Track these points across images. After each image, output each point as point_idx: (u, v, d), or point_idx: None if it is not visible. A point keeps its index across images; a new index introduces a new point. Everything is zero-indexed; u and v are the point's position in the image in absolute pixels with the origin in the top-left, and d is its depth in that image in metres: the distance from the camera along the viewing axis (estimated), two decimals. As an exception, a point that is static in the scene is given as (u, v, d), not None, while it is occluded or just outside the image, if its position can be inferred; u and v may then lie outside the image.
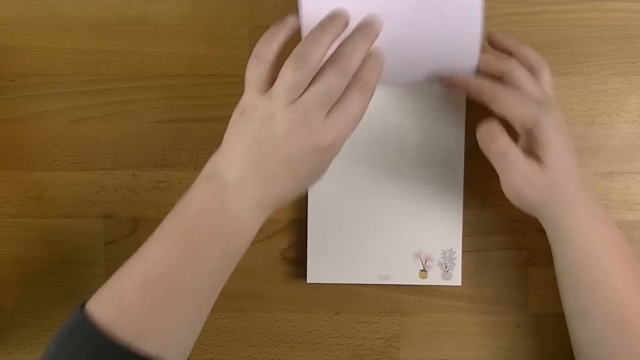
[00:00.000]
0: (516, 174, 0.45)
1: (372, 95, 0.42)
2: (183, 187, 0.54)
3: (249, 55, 0.53)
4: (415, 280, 0.53)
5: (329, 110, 0.41)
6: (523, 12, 0.54)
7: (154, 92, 0.54)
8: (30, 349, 0.54)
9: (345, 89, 0.42)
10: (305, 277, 0.53)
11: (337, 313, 0.54)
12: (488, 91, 0.46)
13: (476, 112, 0.53)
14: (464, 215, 0.53)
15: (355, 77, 0.42)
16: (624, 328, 0.45)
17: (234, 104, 0.54)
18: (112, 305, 0.41)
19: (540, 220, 0.48)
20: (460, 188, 0.53)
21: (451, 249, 0.53)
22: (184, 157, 0.54)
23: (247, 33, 0.54)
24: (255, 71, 0.43)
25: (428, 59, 0.49)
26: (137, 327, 0.40)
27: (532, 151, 0.45)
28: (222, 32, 0.54)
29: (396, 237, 0.53)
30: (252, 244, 0.54)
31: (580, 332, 0.47)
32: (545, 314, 0.54)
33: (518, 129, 0.46)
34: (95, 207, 0.54)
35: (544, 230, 0.54)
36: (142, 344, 0.39)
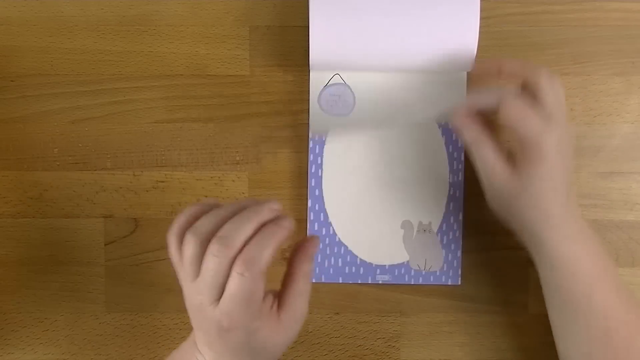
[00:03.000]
0: (490, 174, 0.46)
1: (257, 272, 0.39)
2: (183, 187, 0.54)
3: (249, 55, 0.54)
4: (415, 279, 0.53)
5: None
6: (523, 12, 0.54)
7: (154, 92, 0.54)
8: (30, 349, 0.54)
9: (230, 271, 0.39)
10: (305, 277, 0.53)
11: (337, 313, 0.54)
12: (497, 98, 0.45)
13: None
14: (464, 215, 0.53)
15: (239, 256, 0.39)
16: (609, 342, 0.45)
17: (234, 104, 0.54)
18: None
19: (520, 237, 0.48)
20: (460, 188, 0.53)
21: (451, 248, 0.53)
22: (184, 157, 0.54)
23: (247, 33, 0.54)
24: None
25: (427, 52, 0.50)
26: None
27: (520, 162, 0.45)
28: (222, 32, 0.54)
29: (395, 237, 0.53)
30: (252, 244, 0.54)
31: (567, 348, 0.47)
32: (545, 314, 0.54)
33: (519, 142, 0.45)
34: (95, 207, 0.54)
35: (544, 230, 0.54)
36: None
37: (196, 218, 0.41)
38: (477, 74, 0.50)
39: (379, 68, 0.52)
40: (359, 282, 0.54)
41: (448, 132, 0.53)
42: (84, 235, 0.54)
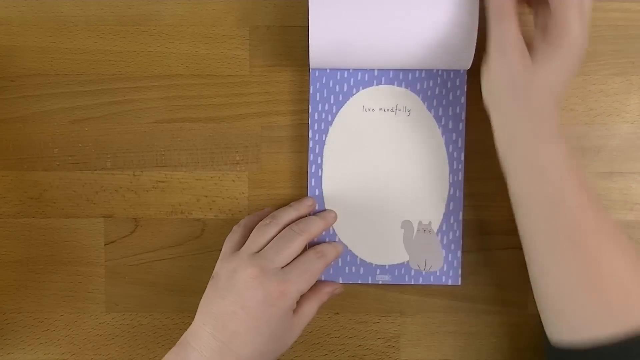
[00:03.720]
0: (507, 49, 0.45)
1: (325, 265, 0.50)
2: (183, 187, 0.54)
3: (249, 55, 0.54)
4: (416, 280, 0.53)
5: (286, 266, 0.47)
6: (523, 12, 0.53)
7: (154, 92, 0.54)
8: (30, 349, 0.55)
9: (304, 253, 0.49)
10: (305, 277, 0.53)
11: (337, 313, 0.54)
12: None
13: (476, 111, 0.54)
14: (464, 215, 0.53)
15: (315, 247, 0.50)
16: (578, 256, 0.43)
17: (234, 104, 0.54)
18: None
19: (496, 127, 0.47)
20: (460, 188, 0.53)
21: (451, 248, 0.53)
22: (184, 157, 0.54)
23: (247, 33, 0.54)
24: (230, 238, 0.51)
25: (429, 47, 0.50)
26: None
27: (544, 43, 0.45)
28: (222, 32, 0.54)
29: (395, 237, 0.53)
30: (252, 244, 0.54)
31: (536, 256, 0.46)
32: (545, 314, 0.54)
33: (549, 29, 0.45)
34: (95, 207, 0.54)
35: (544, 230, 0.54)
36: None
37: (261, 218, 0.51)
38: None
39: (378, 67, 0.52)
40: (359, 282, 0.54)
41: (448, 131, 0.53)
42: (84, 235, 0.54)
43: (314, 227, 0.50)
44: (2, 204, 0.54)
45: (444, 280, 0.53)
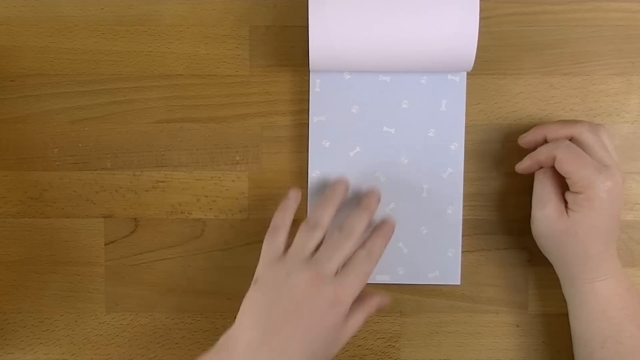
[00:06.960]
0: (543, 207, 0.48)
1: (377, 262, 0.48)
2: (183, 187, 0.54)
3: (249, 55, 0.54)
4: (416, 279, 0.53)
5: (338, 271, 0.46)
6: (523, 12, 0.54)
7: (154, 92, 0.54)
8: (30, 349, 0.55)
9: (354, 254, 0.47)
10: (305, 277, 0.53)
11: (337, 313, 0.54)
12: (552, 152, 0.48)
13: (476, 111, 0.54)
14: (464, 215, 0.53)
15: (363, 245, 0.48)
16: None
17: (234, 104, 0.54)
18: None
19: (555, 268, 0.51)
20: (460, 188, 0.53)
21: (451, 248, 0.53)
22: (184, 157, 0.54)
23: (247, 33, 0.54)
24: (272, 240, 0.48)
25: (428, 53, 0.50)
26: None
27: (572, 205, 0.47)
28: (222, 32, 0.54)
29: (396, 237, 0.53)
30: (252, 243, 0.54)
31: None
32: (545, 314, 0.54)
33: (573, 189, 0.47)
34: (95, 207, 0.54)
35: (544, 231, 0.54)
36: None
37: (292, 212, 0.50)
38: (525, 145, 0.51)
39: (378, 68, 0.52)
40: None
41: (448, 131, 0.53)
42: (84, 235, 0.54)
43: (360, 225, 0.48)
44: (2, 204, 0.54)
45: (444, 280, 0.53)
